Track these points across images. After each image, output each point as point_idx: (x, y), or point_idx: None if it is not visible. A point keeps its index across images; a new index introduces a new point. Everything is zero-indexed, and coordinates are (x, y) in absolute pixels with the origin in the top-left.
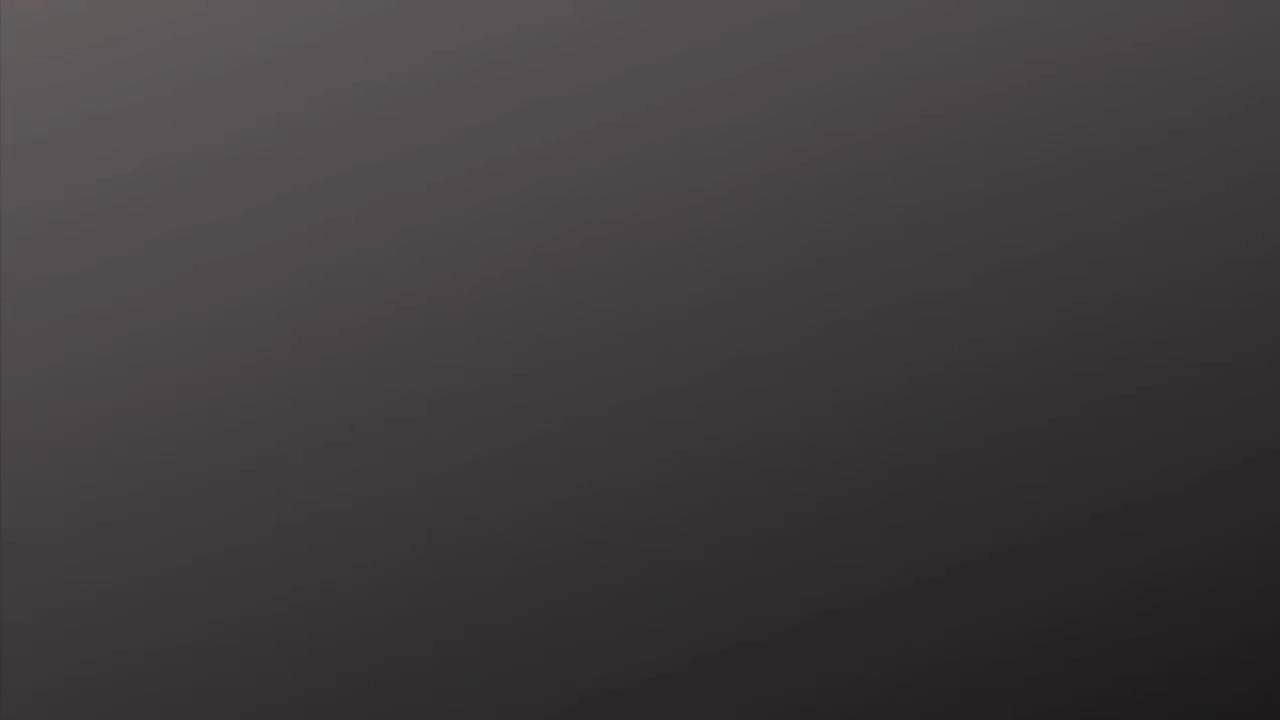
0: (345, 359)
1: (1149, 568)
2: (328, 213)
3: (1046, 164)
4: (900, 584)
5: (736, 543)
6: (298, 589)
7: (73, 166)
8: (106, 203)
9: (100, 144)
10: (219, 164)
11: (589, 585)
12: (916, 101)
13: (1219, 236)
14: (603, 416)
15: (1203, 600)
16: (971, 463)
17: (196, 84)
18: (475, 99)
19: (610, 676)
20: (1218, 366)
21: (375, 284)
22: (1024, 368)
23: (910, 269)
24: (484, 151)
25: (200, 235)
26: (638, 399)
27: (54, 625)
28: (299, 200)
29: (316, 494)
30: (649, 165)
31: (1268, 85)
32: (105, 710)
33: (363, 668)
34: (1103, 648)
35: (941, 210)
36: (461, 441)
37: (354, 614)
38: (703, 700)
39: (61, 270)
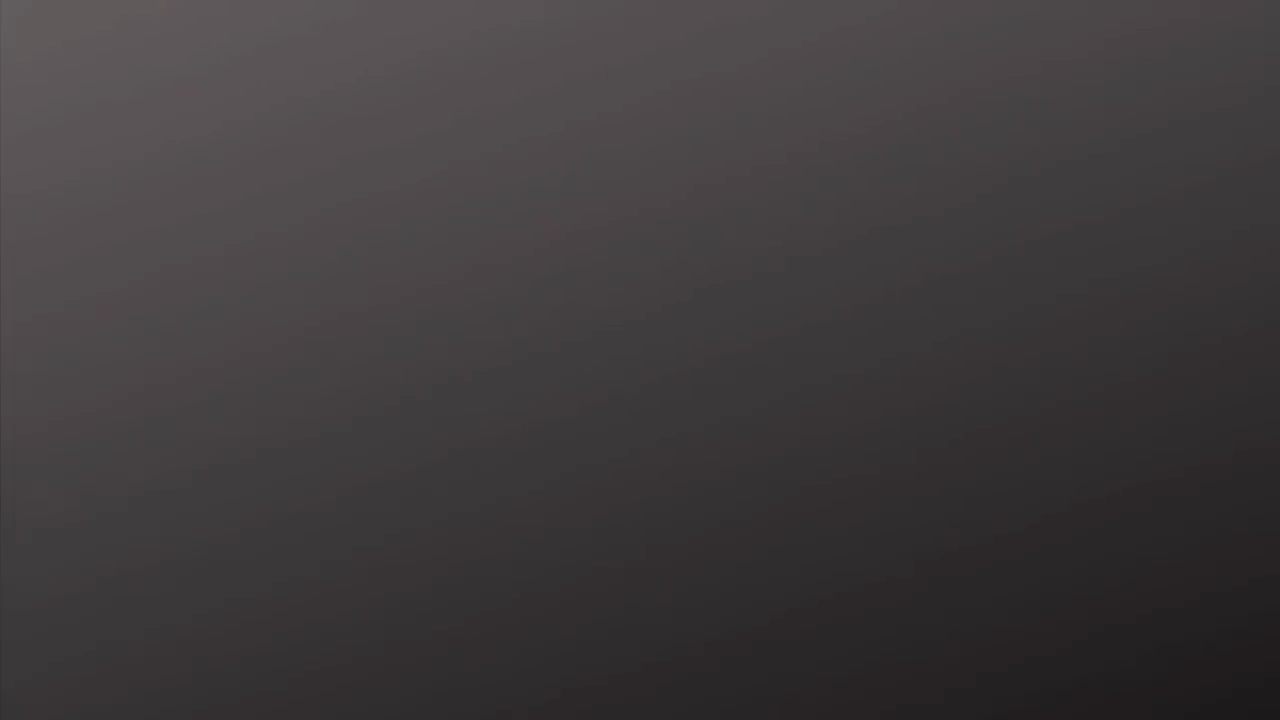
0: (338, 351)
1: (1123, 562)
2: (317, 207)
3: (1028, 160)
4: (875, 578)
5: (713, 538)
6: (290, 581)
7: (56, 161)
8: (92, 196)
9: (85, 138)
10: (203, 159)
11: (563, 582)
12: (897, 99)
13: (1198, 232)
14: (582, 412)
15: (1179, 593)
16: (949, 458)
17: (182, 78)
18: (458, 96)
19: (584, 673)
20: (1194, 363)
21: (365, 278)
22: (1000, 363)
23: (887, 266)
24: (470, 148)
25: (181, 231)
26: (615, 395)
27: (50, 617)
28: (287, 195)
29: (313, 486)
30: (626, 162)
31: (1251, 82)
32: (101, 702)
33: (359, 658)
34: (1077, 640)
35: (919, 207)
36: (443, 436)
37: (354, 604)
38: (678, 696)
39: (46, 265)
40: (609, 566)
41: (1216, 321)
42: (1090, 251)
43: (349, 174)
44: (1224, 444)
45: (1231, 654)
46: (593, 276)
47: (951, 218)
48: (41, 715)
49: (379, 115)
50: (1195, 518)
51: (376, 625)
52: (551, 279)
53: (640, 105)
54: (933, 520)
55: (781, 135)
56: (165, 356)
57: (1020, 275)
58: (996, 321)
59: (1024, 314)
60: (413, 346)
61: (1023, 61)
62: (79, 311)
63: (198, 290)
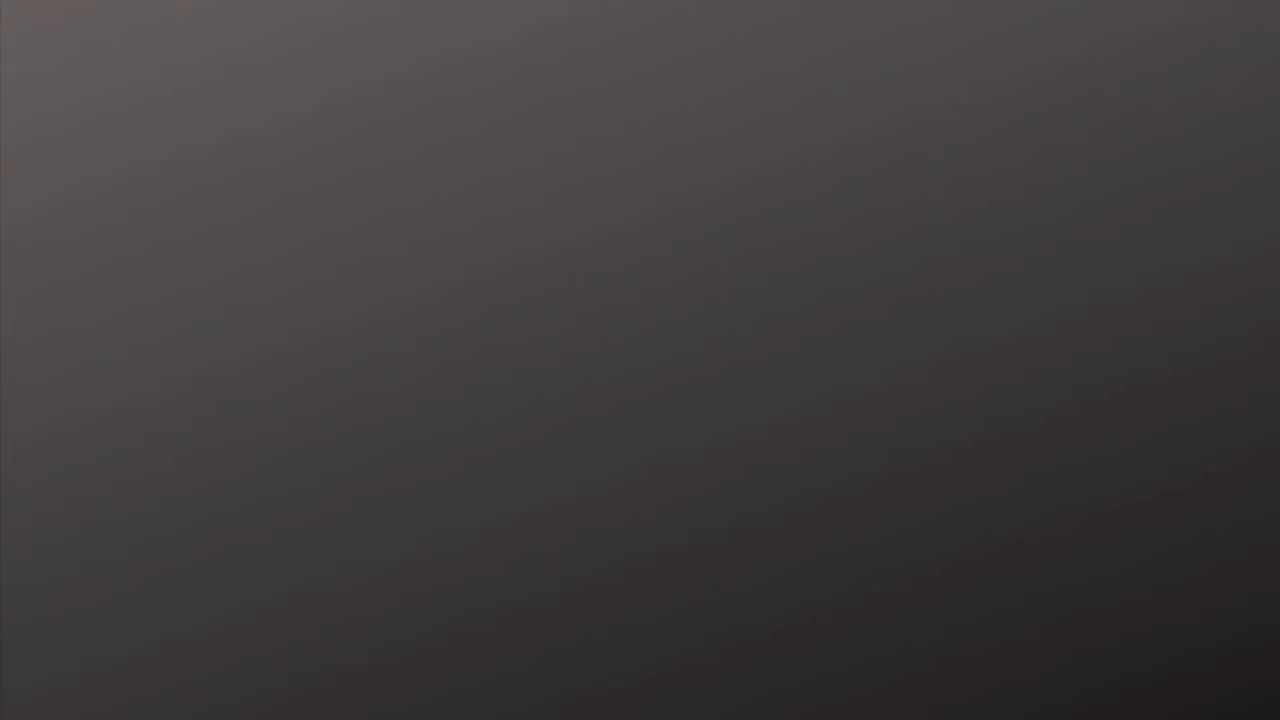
0: (347, 360)
1: (1147, 569)
2: (329, 213)
3: (1042, 166)
4: (896, 585)
5: (733, 545)
6: (297, 590)
7: (70, 165)
8: (105, 202)
9: (98, 143)
10: (218, 164)
11: (582, 588)
12: (908, 104)
13: (1216, 238)
14: (599, 418)
15: (1200, 602)
16: (968, 464)
17: (195, 83)
18: (473, 100)
19: (604, 680)
20: (1215, 368)
21: (377, 284)
22: (1020, 369)
23: (903, 272)
24: (484, 152)
25: (200, 235)
26: (635, 399)
27: (54, 626)
28: (299, 200)
29: (317, 495)
30: (641, 167)
31: (1266, 86)
32: (106, 711)
33: (363, 668)
34: (1098, 649)
35: (934, 213)
36: (461, 443)
37: (357, 615)
38: (698, 703)
39: (61, 270)
40: (616, 573)
41: (1243, 328)
42: (1107, 259)
43: (356, 178)
44: (1240, 454)
45: (1244, 666)
46: (610, 281)
47: (969, 222)
48: None
49: (392, 119)
50: (1210, 527)
51: (383, 634)
52: (564, 283)
53: (658, 108)
54: (945, 527)
55: (796, 139)
56: (172, 362)
57: (1036, 282)
58: (1012, 328)
59: (1041, 321)
60: (430, 351)
61: (1045, 66)
62: (83, 317)
63: (206, 296)
